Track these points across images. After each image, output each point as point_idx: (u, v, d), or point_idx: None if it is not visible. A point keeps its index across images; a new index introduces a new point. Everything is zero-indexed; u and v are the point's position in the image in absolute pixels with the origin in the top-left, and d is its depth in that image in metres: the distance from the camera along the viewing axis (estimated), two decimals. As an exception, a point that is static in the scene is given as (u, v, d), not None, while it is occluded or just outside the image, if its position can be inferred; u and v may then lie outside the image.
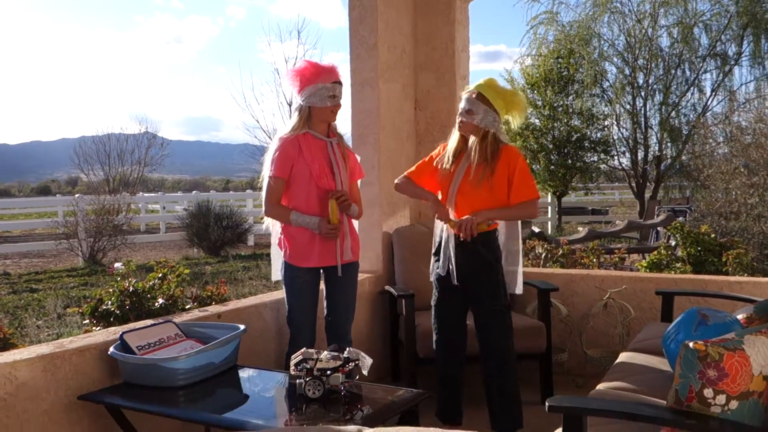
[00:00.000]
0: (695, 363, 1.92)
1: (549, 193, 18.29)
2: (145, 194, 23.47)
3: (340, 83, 3.49)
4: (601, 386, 2.72)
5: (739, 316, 2.89)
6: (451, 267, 3.40)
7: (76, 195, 15.58)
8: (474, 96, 3.35)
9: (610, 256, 6.51)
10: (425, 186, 3.56)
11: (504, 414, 3.43)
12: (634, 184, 16.90)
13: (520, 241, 3.65)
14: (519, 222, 3.64)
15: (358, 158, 3.74)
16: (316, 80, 3.44)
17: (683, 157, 16.17)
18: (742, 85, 16.28)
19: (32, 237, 18.29)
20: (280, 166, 3.42)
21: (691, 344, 1.94)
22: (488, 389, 3.48)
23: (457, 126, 3.44)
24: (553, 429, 2.14)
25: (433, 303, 3.57)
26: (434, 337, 3.57)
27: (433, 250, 3.59)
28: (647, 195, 16.52)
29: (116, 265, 5.74)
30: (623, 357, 3.18)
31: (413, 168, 3.65)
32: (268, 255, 14.00)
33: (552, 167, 17.12)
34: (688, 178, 15.90)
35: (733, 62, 15.93)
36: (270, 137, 17.73)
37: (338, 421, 2.44)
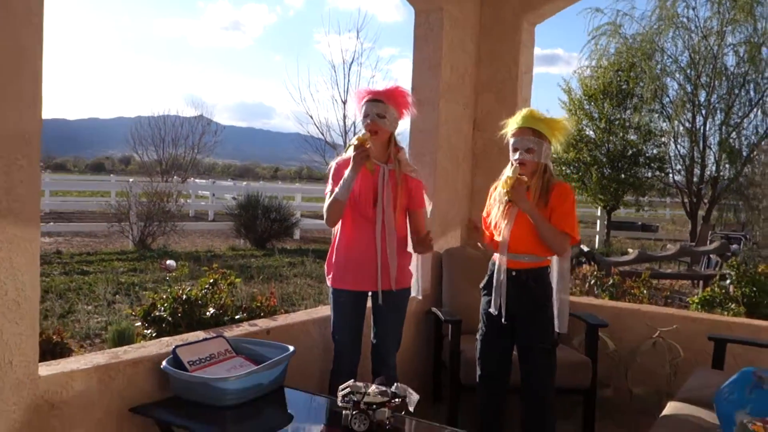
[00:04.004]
0: (752, 442, 1.89)
1: (599, 207, 18.05)
2: (197, 180, 23.83)
3: (376, 101, 3.33)
4: (649, 440, 2.68)
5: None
6: (501, 303, 3.35)
7: (131, 179, 15.89)
8: (530, 134, 3.31)
9: (659, 281, 6.40)
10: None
11: None
12: (687, 202, 16.54)
13: (569, 283, 3.54)
14: (569, 267, 3.54)
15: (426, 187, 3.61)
16: (358, 101, 3.43)
17: (741, 180, 15.76)
18: (808, 109, 15.78)
19: (85, 216, 18.75)
20: (332, 184, 3.41)
21: (749, 425, 1.90)
22: (525, 425, 3.45)
23: (516, 166, 3.32)
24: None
25: (478, 337, 3.54)
26: (478, 371, 3.54)
27: (482, 284, 3.55)
28: (700, 214, 16.17)
29: (168, 262, 5.83)
30: (672, 407, 3.12)
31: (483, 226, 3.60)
32: (314, 250, 13.93)
33: (604, 181, 16.87)
34: (743, 199, 15.50)
35: (801, 85, 15.45)
36: (321, 132, 17.79)
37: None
